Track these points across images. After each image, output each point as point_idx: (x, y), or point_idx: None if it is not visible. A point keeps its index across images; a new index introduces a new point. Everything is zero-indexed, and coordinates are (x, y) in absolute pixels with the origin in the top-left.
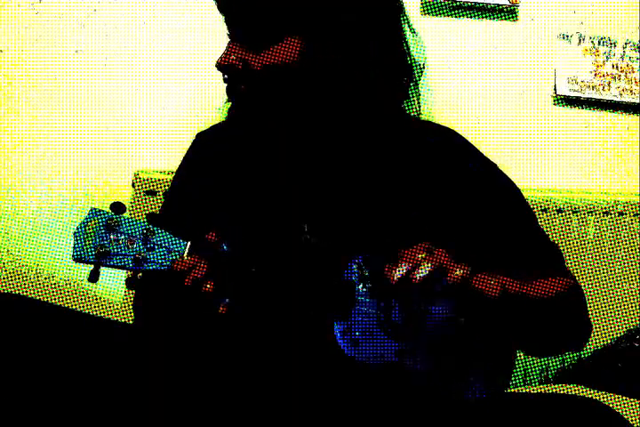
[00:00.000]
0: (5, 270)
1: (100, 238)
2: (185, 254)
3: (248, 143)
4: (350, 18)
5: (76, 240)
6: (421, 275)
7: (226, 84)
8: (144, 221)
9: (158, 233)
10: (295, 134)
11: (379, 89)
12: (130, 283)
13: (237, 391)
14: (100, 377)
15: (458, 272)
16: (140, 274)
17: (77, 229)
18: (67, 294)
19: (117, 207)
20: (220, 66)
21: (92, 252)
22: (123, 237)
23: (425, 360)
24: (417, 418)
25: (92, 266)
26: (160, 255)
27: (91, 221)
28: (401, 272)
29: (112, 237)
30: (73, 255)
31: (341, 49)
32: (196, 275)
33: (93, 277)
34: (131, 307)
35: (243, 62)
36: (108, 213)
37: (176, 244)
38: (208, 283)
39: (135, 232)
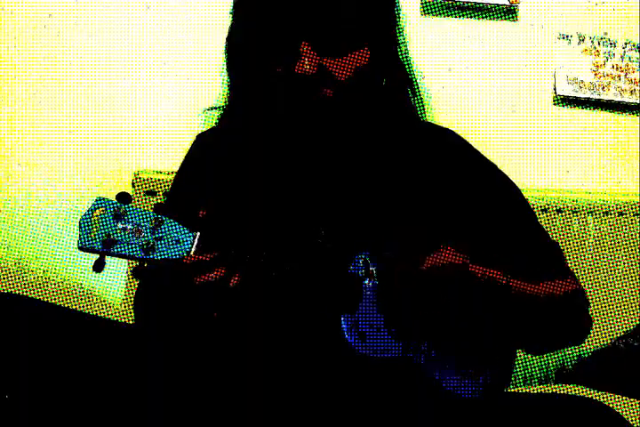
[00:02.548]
0: (6, 270)
1: (107, 227)
2: (194, 245)
3: (252, 145)
4: (390, 26)
5: (82, 229)
6: None
7: (290, 89)
8: (151, 211)
9: (167, 223)
10: (305, 137)
11: (391, 92)
12: (137, 273)
13: (243, 386)
14: (99, 377)
15: None
16: (145, 265)
17: (83, 217)
18: (67, 294)
19: (123, 197)
20: (307, 73)
21: (98, 240)
22: (130, 225)
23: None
24: (419, 415)
25: (95, 258)
26: (168, 245)
27: (97, 210)
28: None
29: (119, 225)
30: (78, 244)
31: (384, 55)
32: (221, 269)
33: (98, 266)
34: (131, 307)
35: (325, 69)
36: (114, 202)
37: (185, 234)
38: (234, 277)
39: (143, 221)
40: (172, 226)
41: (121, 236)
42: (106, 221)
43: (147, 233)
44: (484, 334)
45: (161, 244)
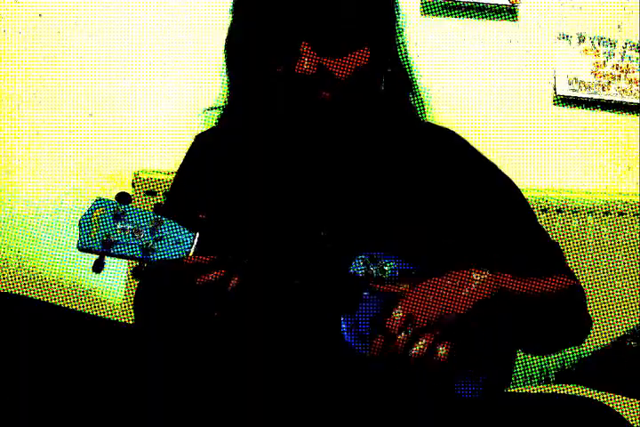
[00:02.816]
0: (5, 270)
1: (106, 227)
2: (194, 246)
3: (252, 145)
4: (390, 26)
5: (82, 229)
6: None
7: (290, 90)
8: (151, 212)
9: (166, 223)
10: (305, 137)
11: (391, 92)
12: (136, 273)
13: (243, 386)
14: (99, 377)
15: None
16: (145, 265)
17: (82, 218)
18: (67, 293)
19: (123, 197)
20: (306, 73)
21: (97, 241)
22: (130, 226)
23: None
24: (419, 415)
25: (95, 258)
26: (168, 246)
27: (96, 211)
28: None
29: (119, 226)
30: (78, 244)
31: (384, 56)
32: (221, 270)
33: (98, 267)
34: (131, 307)
35: (325, 69)
36: (114, 202)
37: (184, 234)
38: (233, 278)
39: (142, 222)
40: (171, 226)
41: (120, 236)
42: (105, 221)
43: (146, 233)
44: (488, 339)
45: (160, 244)
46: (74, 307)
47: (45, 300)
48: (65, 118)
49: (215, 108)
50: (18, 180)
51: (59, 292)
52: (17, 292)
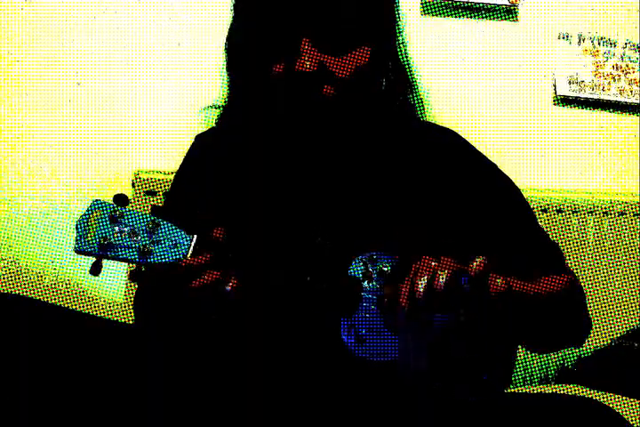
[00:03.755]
0: (5, 270)
1: (103, 230)
2: (191, 248)
3: (252, 145)
4: (390, 26)
5: (79, 232)
6: (443, 280)
7: (291, 88)
8: (148, 214)
9: (163, 226)
10: (305, 136)
11: (391, 92)
12: (134, 276)
13: (242, 387)
14: (99, 377)
15: (475, 266)
16: (143, 268)
17: (79, 220)
18: (67, 294)
19: (121, 200)
20: (307, 71)
21: (94, 243)
22: (127, 229)
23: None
24: (419, 416)
25: (93, 260)
26: (165, 248)
27: (93, 213)
28: (422, 283)
29: (116, 228)
30: (75, 247)
31: (385, 55)
32: (218, 272)
33: (95, 269)
34: (131, 307)
35: (325, 68)
36: (111, 204)
37: (182, 237)
38: (231, 280)
39: (140, 224)
40: (169, 229)
41: (118, 239)
42: (102, 224)
43: (143, 236)
44: (490, 339)
45: (158, 247)
46: (74, 307)
47: (45, 300)
48: (65, 118)
49: (215, 107)
50: (18, 180)
51: (59, 292)
52: (17, 292)
